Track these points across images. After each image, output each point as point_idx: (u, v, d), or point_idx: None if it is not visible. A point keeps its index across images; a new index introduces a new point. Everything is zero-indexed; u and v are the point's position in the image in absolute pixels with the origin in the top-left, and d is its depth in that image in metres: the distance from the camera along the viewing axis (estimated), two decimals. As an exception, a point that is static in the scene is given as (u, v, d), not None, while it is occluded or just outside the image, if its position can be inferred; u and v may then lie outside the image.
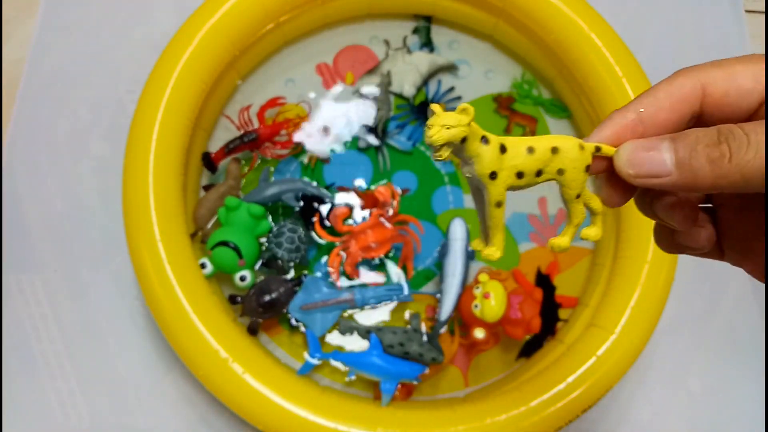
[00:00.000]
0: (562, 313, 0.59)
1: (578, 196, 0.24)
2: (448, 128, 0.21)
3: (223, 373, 0.49)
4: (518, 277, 0.60)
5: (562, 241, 0.24)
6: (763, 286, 0.61)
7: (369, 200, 0.61)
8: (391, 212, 0.59)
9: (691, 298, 0.61)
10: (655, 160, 0.21)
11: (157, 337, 0.57)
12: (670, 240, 0.25)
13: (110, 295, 0.59)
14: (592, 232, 0.25)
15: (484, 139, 0.22)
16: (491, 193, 0.23)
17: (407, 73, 0.65)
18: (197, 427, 0.56)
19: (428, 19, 0.67)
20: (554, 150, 0.23)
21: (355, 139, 0.63)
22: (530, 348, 0.59)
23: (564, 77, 0.62)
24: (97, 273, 0.59)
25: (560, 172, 0.23)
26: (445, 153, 0.21)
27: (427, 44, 0.67)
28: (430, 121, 0.21)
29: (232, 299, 0.56)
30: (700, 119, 0.22)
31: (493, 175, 0.22)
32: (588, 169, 0.23)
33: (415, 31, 0.67)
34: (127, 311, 0.58)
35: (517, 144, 0.22)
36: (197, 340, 0.50)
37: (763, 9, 0.70)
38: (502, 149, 0.22)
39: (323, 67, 0.66)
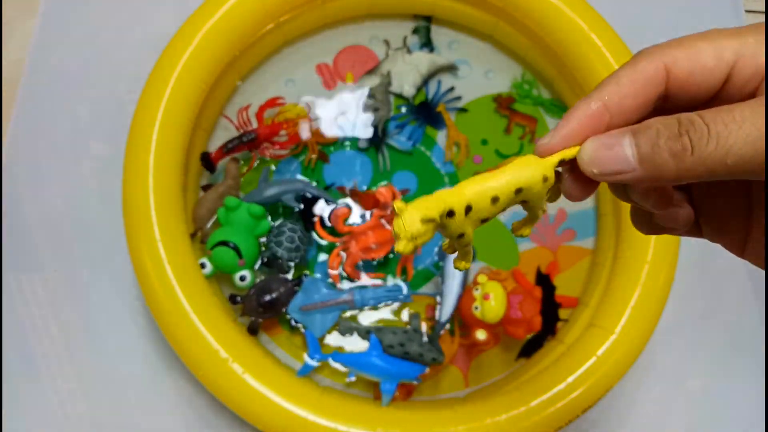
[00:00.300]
0: (562, 313, 0.59)
1: (542, 211, 0.25)
2: (414, 239, 0.21)
3: (223, 373, 0.49)
4: (518, 276, 0.60)
5: (525, 231, 0.26)
6: (763, 287, 0.61)
7: (370, 201, 0.61)
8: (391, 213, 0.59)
9: (691, 298, 0.61)
10: (618, 157, 0.21)
11: (157, 337, 0.57)
12: (648, 222, 0.25)
13: (110, 295, 0.59)
14: (525, 231, 0.26)
15: (450, 214, 0.22)
16: (460, 243, 0.24)
17: (407, 73, 0.65)
18: (197, 427, 0.56)
19: (428, 19, 0.67)
20: (518, 191, 0.22)
21: (355, 139, 0.63)
22: (530, 348, 0.59)
23: (564, 77, 0.62)
24: (97, 273, 0.59)
25: (523, 202, 0.24)
26: (413, 252, 0.22)
27: (427, 44, 0.67)
28: (396, 228, 0.21)
29: (232, 299, 0.56)
30: (665, 100, 0.22)
31: (460, 236, 0.23)
32: (549, 190, 0.23)
33: (415, 31, 0.67)
34: (127, 311, 0.58)
35: (482, 197, 0.22)
36: (197, 340, 0.50)
37: (763, 9, 0.70)
38: (468, 210, 0.22)
39: (323, 67, 0.66)
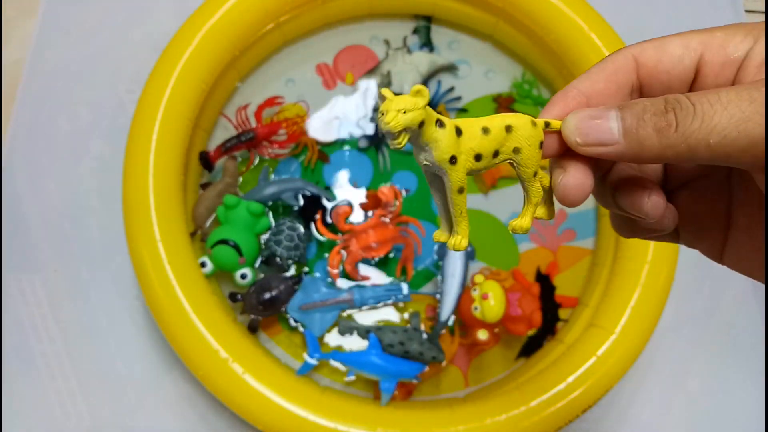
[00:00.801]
0: (562, 313, 0.59)
1: (535, 174, 0.23)
2: (404, 113, 0.20)
3: (223, 373, 0.49)
4: (516, 275, 0.60)
5: (524, 222, 0.24)
6: (763, 286, 0.61)
7: (371, 200, 0.61)
8: (392, 212, 0.59)
9: (691, 298, 0.61)
10: (602, 128, 0.20)
11: (157, 337, 0.57)
12: (631, 223, 0.25)
13: (110, 295, 0.59)
14: (523, 222, 0.24)
15: (439, 123, 0.21)
16: (452, 179, 0.22)
17: (407, 73, 0.65)
18: (197, 427, 0.56)
19: (428, 19, 0.67)
20: (508, 128, 0.22)
21: (355, 139, 0.63)
22: (530, 348, 0.59)
23: (564, 77, 0.62)
24: (97, 273, 0.59)
25: (516, 150, 0.22)
26: (404, 140, 0.20)
27: (427, 44, 0.67)
28: (383, 107, 0.20)
29: (232, 297, 0.56)
30: (641, 92, 0.23)
31: (453, 160, 0.21)
32: (542, 145, 0.23)
33: (415, 31, 0.67)
34: (127, 311, 0.58)
35: (472, 125, 0.22)
36: (197, 340, 0.50)
37: (763, 9, 0.70)
38: (458, 132, 0.21)
39: (323, 67, 0.66)
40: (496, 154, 0.22)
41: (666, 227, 0.24)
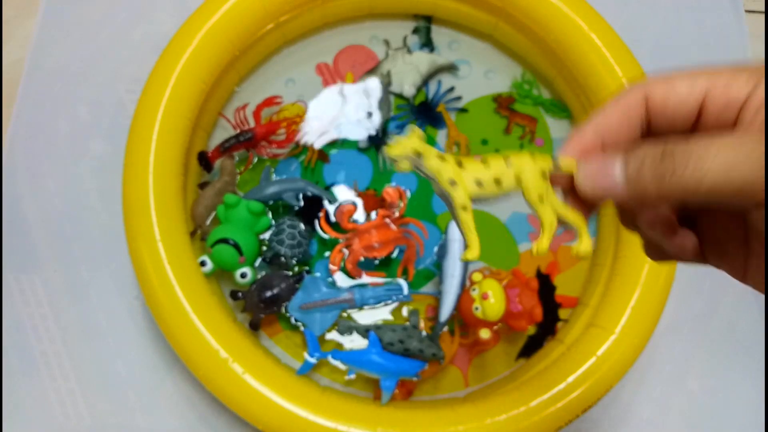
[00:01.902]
0: (562, 313, 0.59)
1: (541, 200, 0.26)
2: (402, 145, 0.25)
3: (223, 373, 0.49)
4: (516, 275, 0.60)
5: (542, 245, 0.27)
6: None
7: (372, 201, 0.60)
8: (397, 213, 0.59)
9: (691, 298, 0.61)
10: (608, 177, 0.23)
11: (157, 337, 0.57)
12: (660, 250, 0.28)
13: (110, 295, 0.59)
14: (581, 246, 0.27)
15: (441, 158, 0.26)
16: (454, 197, 0.26)
17: (407, 73, 0.65)
18: (197, 427, 0.56)
19: (428, 19, 0.67)
20: (506, 158, 0.26)
21: (355, 140, 0.63)
22: (530, 348, 0.59)
23: (564, 77, 0.62)
24: (97, 273, 0.59)
25: (517, 179, 0.26)
26: (404, 165, 0.26)
27: (427, 44, 0.67)
28: (389, 144, 0.26)
29: (233, 295, 0.56)
30: (649, 126, 0.24)
31: (452, 182, 0.26)
32: (545, 176, 0.26)
33: (415, 31, 0.67)
34: (127, 311, 0.58)
35: (470, 159, 0.26)
36: (197, 340, 0.50)
37: (763, 9, 0.70)
38: (459, 164, 0.26)
39: (323, 67, 0.66)
40: (498, 182, 0.26)
41: (688, 251, 0.26)
